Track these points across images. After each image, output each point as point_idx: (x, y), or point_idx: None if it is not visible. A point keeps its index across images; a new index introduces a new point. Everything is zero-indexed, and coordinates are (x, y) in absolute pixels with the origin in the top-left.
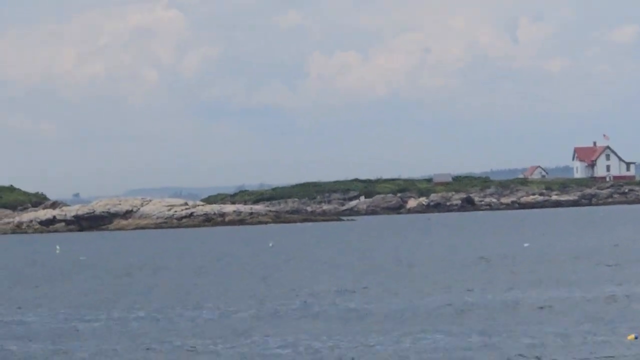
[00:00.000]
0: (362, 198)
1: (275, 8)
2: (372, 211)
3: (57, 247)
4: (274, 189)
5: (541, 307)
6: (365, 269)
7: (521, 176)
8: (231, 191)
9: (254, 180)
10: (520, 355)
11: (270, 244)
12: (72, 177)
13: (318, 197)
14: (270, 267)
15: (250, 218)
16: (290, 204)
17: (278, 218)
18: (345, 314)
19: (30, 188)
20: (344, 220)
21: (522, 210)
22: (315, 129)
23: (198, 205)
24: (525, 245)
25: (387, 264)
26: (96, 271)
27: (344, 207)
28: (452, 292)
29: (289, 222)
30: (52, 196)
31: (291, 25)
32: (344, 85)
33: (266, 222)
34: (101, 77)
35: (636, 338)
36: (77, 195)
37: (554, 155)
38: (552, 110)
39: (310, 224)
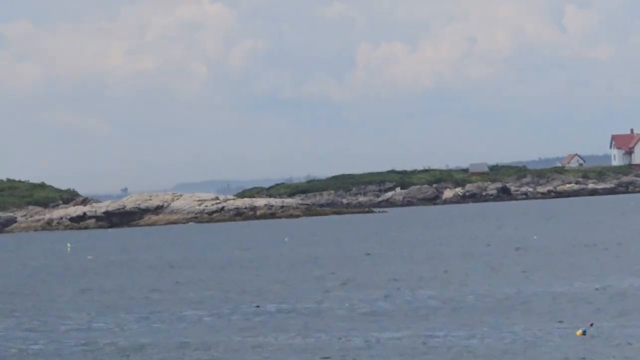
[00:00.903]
0: (398, 189)
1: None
2: (408, 202)
3: (69, 245)
4: (309, 182)
5: (508, 303)
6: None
7: (559, 165)
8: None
9: (301, 172)
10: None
11: (286, 239)
12: (121, 173)
13: (354, 189)
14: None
15: (282, 212)
16: (326, 196)
17: (309, 211)
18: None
19: (78, 184)
20: (375, 212)
21: (558, 199)
22: (362, 121)
23: (229, 200)
24: (535, 237)
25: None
26: (92, 271)
27: (380, 199)
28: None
29: (320, 215)
30: (101, 191)
31: (337, 16)
32: (391, 76)
33: (297, 216)
34: (150, 71)
35: (584, 333)
36: (125, 190)
37: (593, 143)
38: (595, 98)
39: (340, 216)
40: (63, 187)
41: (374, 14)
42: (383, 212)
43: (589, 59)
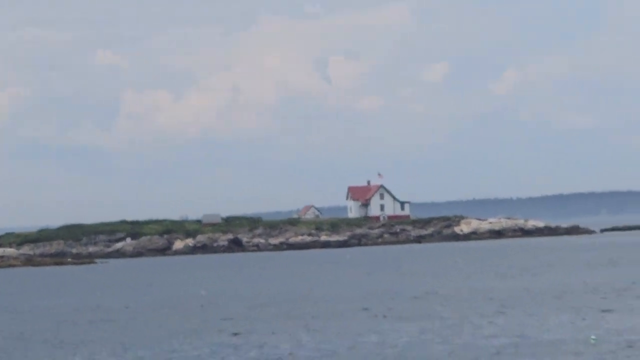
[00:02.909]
0: (129, 240)
1: (89, 48)
2: (138, 253)
3: None
4: (39, 231)
5: None
6: None
7: (295, 216)
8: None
9: (60, 221)
10: None
11: None
12: None
13: (84, 239)
14: None
15: (1, 262)
16: (56, 246)
17: (30, 262)
18: None
19: None
20: (97, 263)
21: (289, 251)
22: (129, 168)
23: None
24: (203, 292)
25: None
26: None
27: (110, 249)
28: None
29: (41, 265)
30: None
31: (102, 64)
32: (157, 124)
33: (17, 266)
34: None
35: None
36: None
37: (334, 194)
38: (351, 148)
39: (60, 267)
40: None
41: (139, 62)
42: (105, 262)
43: (354, 110)
